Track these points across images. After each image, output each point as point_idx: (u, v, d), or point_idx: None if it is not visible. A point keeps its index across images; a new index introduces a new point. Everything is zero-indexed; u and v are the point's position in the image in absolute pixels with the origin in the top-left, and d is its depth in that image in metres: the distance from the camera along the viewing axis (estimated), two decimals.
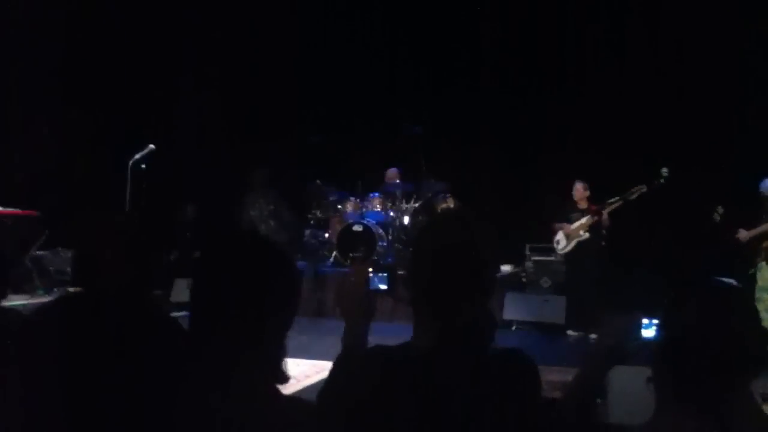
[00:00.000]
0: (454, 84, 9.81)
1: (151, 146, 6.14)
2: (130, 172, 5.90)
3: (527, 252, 8.30)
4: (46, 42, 8.75)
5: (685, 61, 8.47)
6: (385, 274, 1.82)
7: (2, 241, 6.18)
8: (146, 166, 5.98)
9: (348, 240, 8.44)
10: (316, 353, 4.90)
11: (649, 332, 1.65)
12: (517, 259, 8.47)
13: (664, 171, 6.94)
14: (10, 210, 6.46)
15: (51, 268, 7.69)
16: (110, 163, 6.75)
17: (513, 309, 7.56)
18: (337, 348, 1.58)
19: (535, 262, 8.18)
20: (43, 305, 1.34)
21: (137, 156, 6.00)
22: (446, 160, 9.18)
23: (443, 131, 9.39)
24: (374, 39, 10.16)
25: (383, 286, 1.90)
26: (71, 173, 8.58)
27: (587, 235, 7.22)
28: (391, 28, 10.18)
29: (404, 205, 8.93)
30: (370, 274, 1.78)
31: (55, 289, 7.21)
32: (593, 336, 6.37)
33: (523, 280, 8.23)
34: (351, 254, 8.36)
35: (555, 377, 3.24)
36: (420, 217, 8.69)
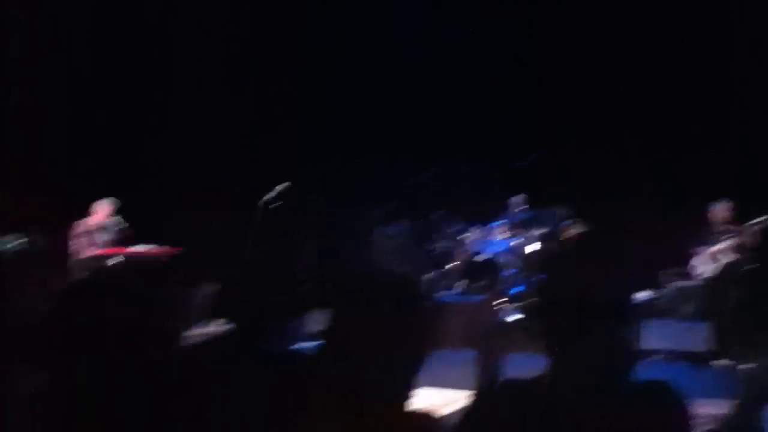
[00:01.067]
0: (576, 106, 9.58)
1: (280, 186, 6.45)
2: (261, 212, 6.22)
3: (665, 277, 7.89)
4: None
5: None
6: (516, 306, 1.79)
7: (158, 277, 6.69)
8: (276, 205, 6.27)
9: (473, 270, 8.39)
10: (445, 383, 4.87)
11: None
12: (654, 285, 8.05)
13: None
14: (156, 249, 7.00)
15: (195, 302, 8.18)
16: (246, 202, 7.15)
17: (652, 337, 7.16)
18: (467, 378, 1.57)
19: (674, 287, 7.75)
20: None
21: (267, 197, 6.32)
22: (572, 184, 8.96)
23: (568, 155, 9.18)
24: (496, 66, 10.09)
25: (514, 319, 1.88)
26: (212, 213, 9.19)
27: (731, 257, 6.78)
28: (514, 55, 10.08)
29: (529, 233, 8.78)
30: (501, 306, 1.76)
31: (203, 322, 7.62)
32: (743, 366, 5.92)
33: (662, 306, 7.81)
34: (476, 284, 8.29)
35: (704, 411, 3.04)
36: (546, 245, 8.50)
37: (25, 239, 3.96)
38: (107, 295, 1.47)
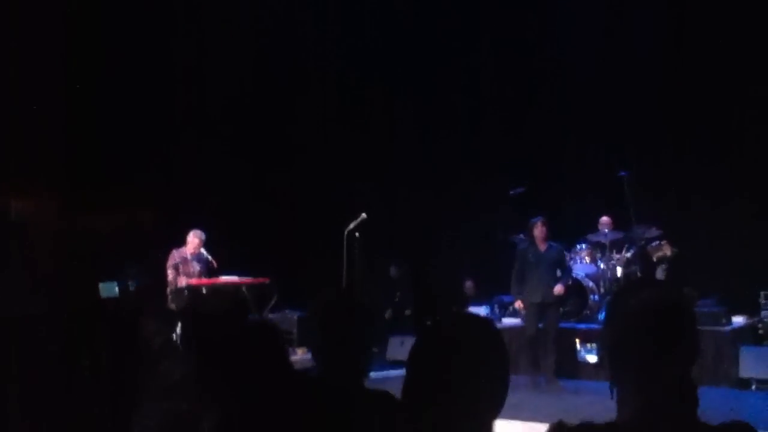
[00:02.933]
0: (663, 124, 9.30)
1: (363, 215, 6.62)
2: (346, 240, 6.40)
3: (762, 300, 7.48)
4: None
5: None
6: (594, 346, 1.77)
7: (242, 305, 6.96)
8: (359, 234, 6.43)
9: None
10: (527, 413, 4.82)
11: None
12: (751, 309, 7.65)
13: None
14: (247, 279, 7.28)
15: (282, 328, 8.46)
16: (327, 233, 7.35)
17: (750, 365, 6.81)
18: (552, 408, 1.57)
19: None
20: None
21: (351, 225, 6.49)
22: (659, 203, 8.68)
23: (654, 173, 8.91)
24: (582, 84, 9.91)
25: (592, 359, 1.83)
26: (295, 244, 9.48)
27: None
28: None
29: (615, 255, 8.51)
30: (578, 346, 1.73)
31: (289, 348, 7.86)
32: None
33: (760, 332, 7.40)
34: (562, 309, 8.12)
35: None
36: (633, 267, 8.24)
37: (131, 279, 4.24)
38: (233, 322, 1.59)
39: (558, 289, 7.07)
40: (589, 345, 6.74)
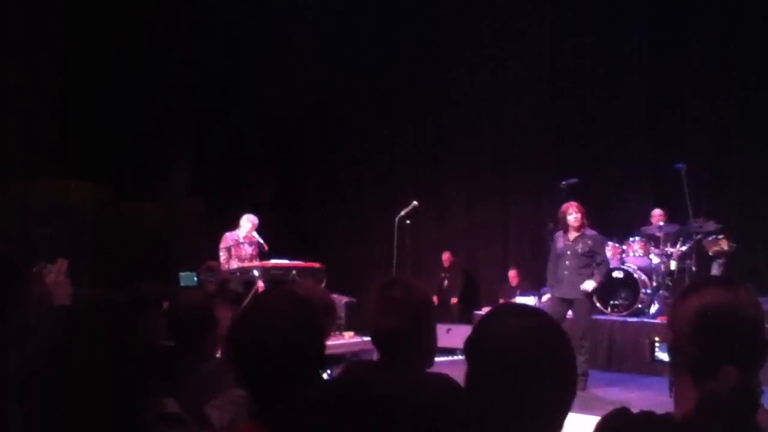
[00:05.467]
0: (719, 116, 9.03)
1: (415, 203, 6.66)
2: (397, 226, 6.45)
3: None
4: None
5: None
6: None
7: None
8: (410, 221, 6.47)
9: (609, 286, 8.07)
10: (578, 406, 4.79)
11: None
12: None
13: None
14: (297, 262, 7.39)
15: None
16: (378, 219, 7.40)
17: None
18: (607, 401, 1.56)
19: None
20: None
21: (402, 212, 6.54)
22: (717, 196, 8.46)
23: (711, 165, 8.68)
24: (640, 79, 9.66)
25: (664, 357, 1.78)
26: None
27: None
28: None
29: (669, 249, 8.32)
30: (657, 344, 1.68)
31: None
32: None
33: None
34: (612, 302, 8.03)
35: None
36: (688, 261, 8.05)
37: (203, 269, 4.36)
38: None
39: (586, 285, 6.38)
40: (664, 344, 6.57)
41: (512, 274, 9.66)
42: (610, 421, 1.49)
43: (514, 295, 9.05)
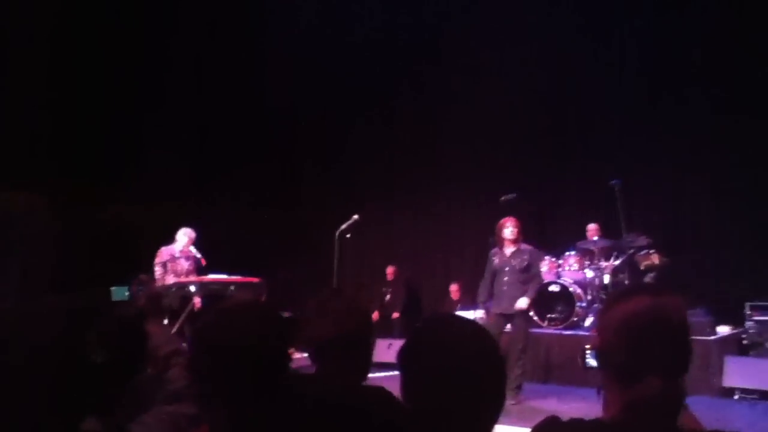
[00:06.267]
0: (654, 132, 9.36)
1: (356, 217, 6.64)
2: (337, 241, 6.42)
3: (747, 311, 7.56)
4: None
5: None
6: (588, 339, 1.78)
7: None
8: (350, 235, 6.46)
9: (545, 300, 8.24)
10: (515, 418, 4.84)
11: None
12: (736, 319, 7.73)
13: None
14: (235, 278, 7.26)
15: None
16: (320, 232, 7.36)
17: (735, 375, 6.87)
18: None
19: (758, 321, 7.42)
20: None
21: (343, 226, 6.51)
22: (649, 212, 8.74)
23: (644, 182, 8.97)
24: (575, 91, 9.93)
25: (593, 364, 1.83)
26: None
27: None
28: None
29: (603, 263, 8.56)
30: (587, 352, 1.73)
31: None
32: None
33: (745, 342, 7.48)
34: (548, 315, 8.18)
35: None
36: (621, 275, 8.29)
37: (135, 282, 4.22)
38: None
39: (520, 303, 6.42)
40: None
41: (454, 288, 9.73)
42: (541, 430, 1.51)
43: (456, 309, 9.11)
